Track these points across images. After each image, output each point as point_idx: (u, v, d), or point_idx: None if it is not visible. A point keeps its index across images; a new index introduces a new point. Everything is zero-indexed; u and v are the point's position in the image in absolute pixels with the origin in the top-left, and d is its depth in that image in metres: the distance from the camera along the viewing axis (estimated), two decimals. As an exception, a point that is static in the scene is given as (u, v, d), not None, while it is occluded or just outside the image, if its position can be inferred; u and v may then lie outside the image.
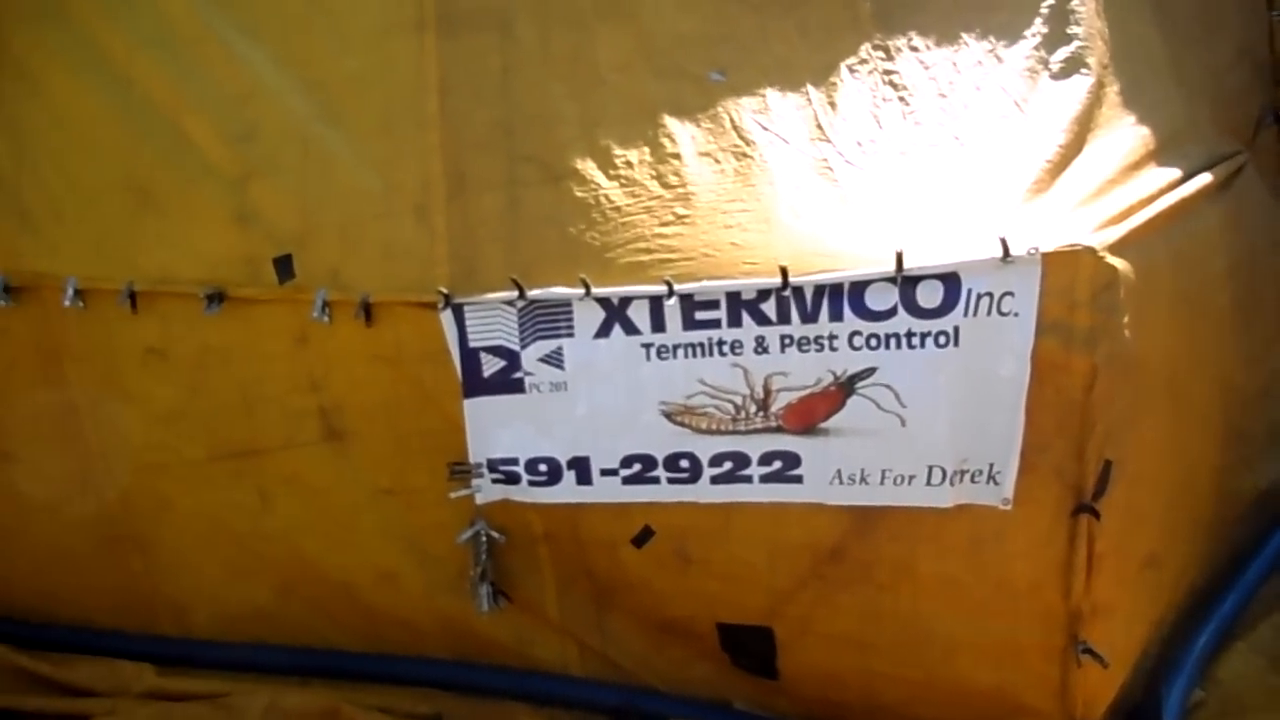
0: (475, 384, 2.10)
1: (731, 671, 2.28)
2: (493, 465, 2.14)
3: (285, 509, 2.35)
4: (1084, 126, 2.11)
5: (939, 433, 1.94)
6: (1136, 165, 2.10)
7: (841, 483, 2.00)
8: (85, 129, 2.31)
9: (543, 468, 2.12)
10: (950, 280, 1.88)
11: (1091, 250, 1.84)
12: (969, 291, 1.87)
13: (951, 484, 1.96)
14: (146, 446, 2.36)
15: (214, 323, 2.21)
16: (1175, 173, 2.14)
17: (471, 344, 2.09)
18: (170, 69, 2.27)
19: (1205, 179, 2.20)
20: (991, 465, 1.94)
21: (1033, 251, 1.84)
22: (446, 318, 2.07)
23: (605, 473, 2.09)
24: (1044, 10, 2.19)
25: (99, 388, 2.35)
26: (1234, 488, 2.48)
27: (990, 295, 1.87)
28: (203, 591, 2.50)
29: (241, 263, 2.20)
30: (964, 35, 2.17)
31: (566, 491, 2.13)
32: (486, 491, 2.16)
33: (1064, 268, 1.84)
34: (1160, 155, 2.15)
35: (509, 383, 2.09)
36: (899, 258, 1.87)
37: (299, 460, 2.29)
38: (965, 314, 1.88)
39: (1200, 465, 2.31)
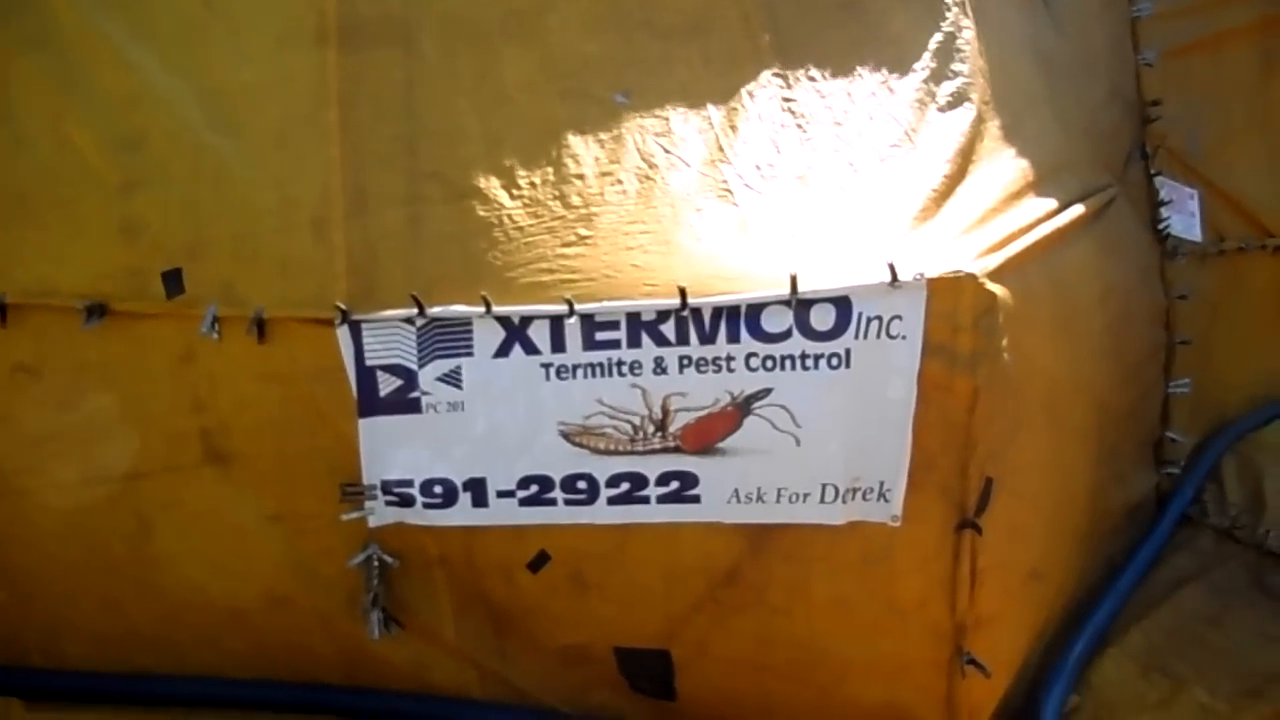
0: (371, 403, 2.06)
1: (632, 694, 2.27)
2: (387, 487, 2.09)
3: (166, 535, 2.24)
4: (967, 158, 2.23)
5: (832, 452, 1.99)
6: (1016, 195, 2.23)
7: (739, 502, 2.03)
8: (-44, 132, 2.21)
9: (438, 489, 2.08)
10: (842, 304, 1.94)
11: (973, 276, 1.93)
12: (860, 315, 1.94)
13: (844, 501, 2.01)
14: (13, 470, 2.23)
15: (92, 339, 2.12)
16: (1052, 203, 2.28)
17: (368, 362, 2.05)
18: (52, 72, 2.19)
19: (1079, 209, 2.34)
20: (882, 483, 2.00)
21: (918, 277, 1.92)
22: (343, 334, 2.03)
23: (502, 494, 2.07)
24: (932, 46, 2.31)
25: (-39, 406, 2.22)
26: (1107, 502, 2.62)
27: (880, 319, 1.94)
28: (76, 620, 2.36)
29: (126, 275, 2.11)
30: (858, 67, 2.26)
31: (462, 514, 2.09)
32: (380, 514, 2.11)
33: (947, 293, 1.93)
34: (1039, 186, 2.28)
35: (405, 402, 2.05)
36: (793, 281, 1.93)
37: (180, 484, 2.19)
38: (856, 336, 1.94)
39: (1077, 482, 2.43)
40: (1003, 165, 2.26)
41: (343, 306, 2.02)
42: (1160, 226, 2.96)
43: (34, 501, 2.24)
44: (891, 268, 1.92)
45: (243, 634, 2.32)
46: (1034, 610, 2.33)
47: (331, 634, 2.27)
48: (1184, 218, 3.07)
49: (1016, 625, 2.24)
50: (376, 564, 2.14)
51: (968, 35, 2.34)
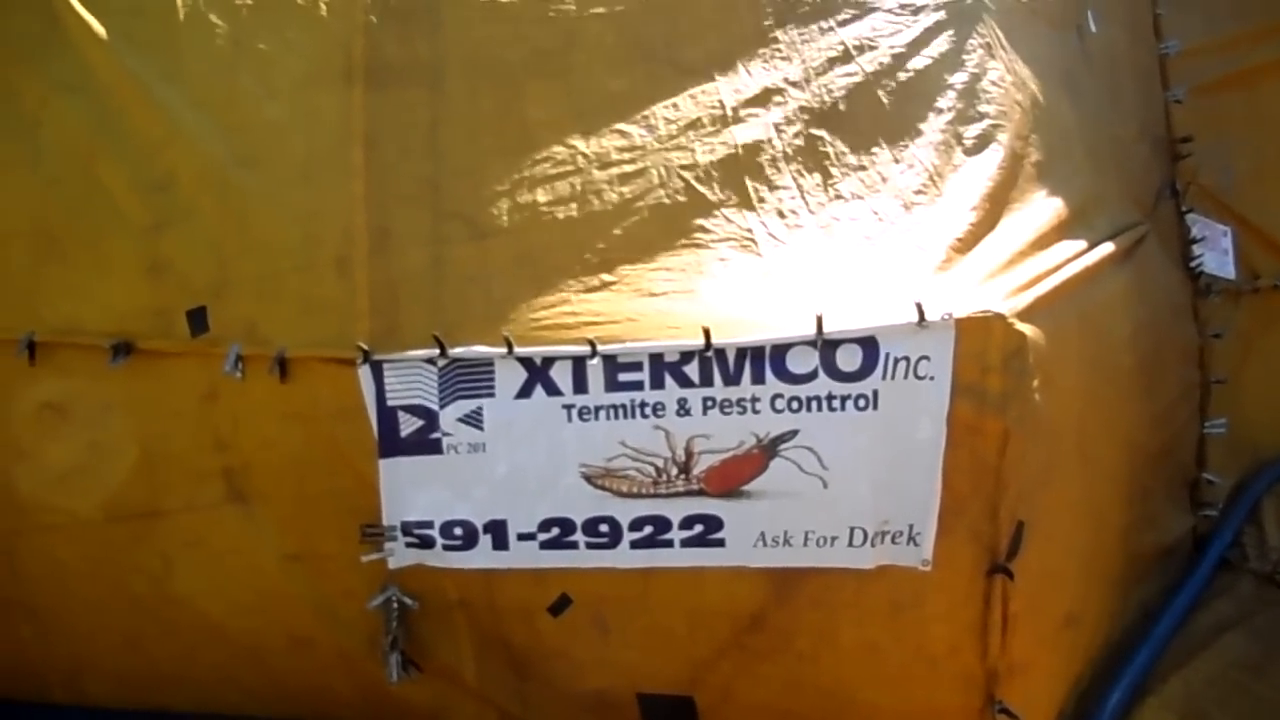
0: (392, 444, 2.05)
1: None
2: (407, 528, 2.08)
3: (188, 573, 2.24)
4: (996, 201, 2.19)
5: (860, 494, 1.96)
6: (1047, 236, 2.19)
7: (765, 545, 1.99)
8: (-10, 172, 2.25)
9: (458, 531, 2.07)
10: (869, 344, 1.92)
11: (1001, 316, 1.90)
12: (887, 355, 1.91)
13: (873, 545, 1.97)
14: (38, 507, 2.24)
15: (117, 377, 2.14)
16: (1082, 243, 2.24)
17: (390, 402, 2.05)
18: (85, 114, 2.23)
19: (1109, 248, 2.30)
20: (911, 526, 1.96)
21: (946, 317, 1.89)
22: (365, 374, 2.03)
23: (522, 537, 2.05)
24: (958, 86, 2.28)
25: (-13, 443, 2.24)
26: (1139, 545, 2.55)
27: (907, 359, 1.91)
28: (98, 657, 2.37)
29: (152, 314, 2.13)
30: (883, 108, 2.23)
31: (482, 556, 2.07)
32: (400, 556, 2.10)
33: (976, 333, 1.90)
34: (1069, 225, 2.25)
35: (426, 443, 2.04)
36: (819, 321, 1.91)
37: (202, 523, 2.20)
38: (884, 377, 1.92)
39: (1109, 524, 2.38)
40: (1033, 206, 2.23)
41: (364, 346, 2.02)
42: (1192, 264, 2.91)
43: (58, 538, 2.25)
44: (919, 308, 1.89)
45: (263, 673, 2.31)
46: (1069, 657, 2.27)
47: (352, 674, 2.26)
48: (1217, 255, 3.02)
49: (1051, 673, 2.18)
50: (396, 606, 2.12)
51: (994, 75, 2.31)
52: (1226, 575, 2.73)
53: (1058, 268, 2.13)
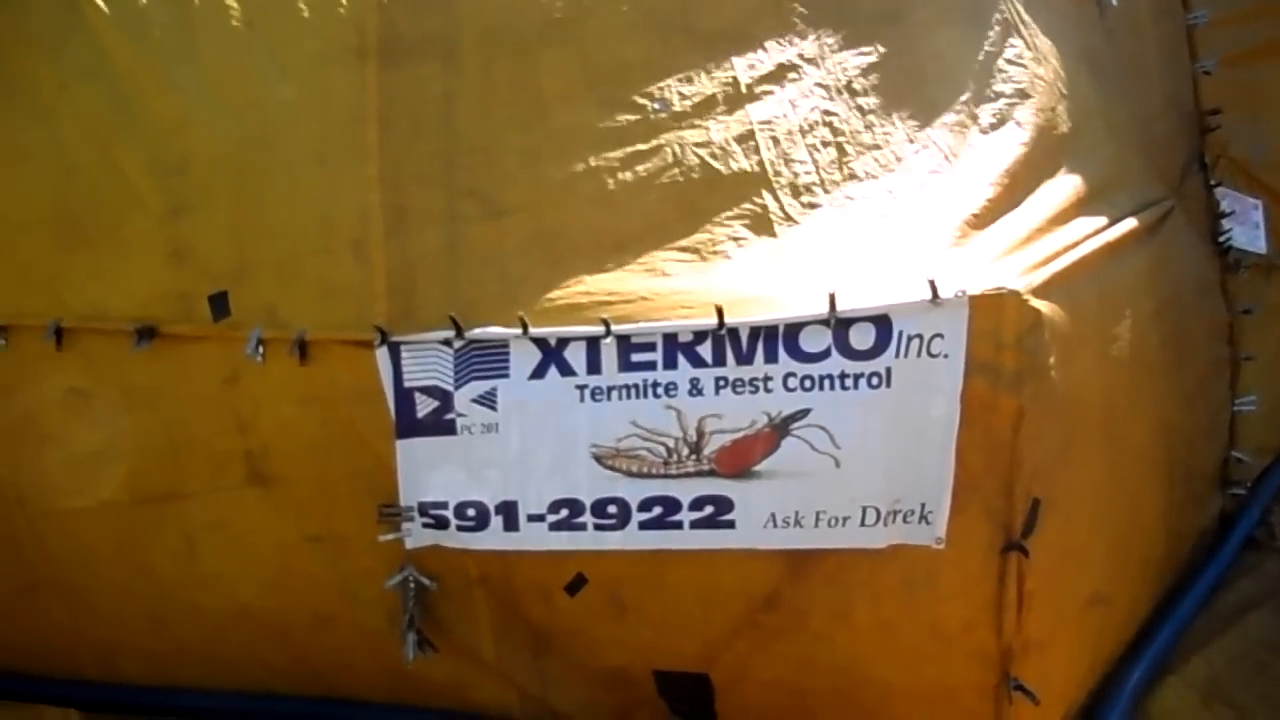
0: (409, 424, 2.07)
1: (672, 718, 2.24)
2: (423, 509, 2.10)
3: (213, 554, 2.28)
4: (1014, 178, 2.17)
5: (873, 473, 1.95)
6: (1066, 212, 2.17)
7: (775, 526, 1.99)
8: (12, 162, 2.28)
9: (471, 512, 2.08)
10: (882, 322, 1.91)
11: (1016, 293, 1.88)
12: (900, 333, 1.90)
13: (885, 524, 1.96)
14: (65, 490, 2.28)
15: (141, 362, 2.17)
16: (1102, 219, 2.21)
17: (406, 383, 2.06)
18: (103, 100, 2.25)
19: (1131, 224, 2.27)
20: (924, 505, 1.95)
21: (960, 294, 1.87)
22: (382, 356, 2.05)
23: (532, 518, 2.06)
24: (974, 66, 2.26)
25: (16, 428, 2.28)
26: (1184, 526, 2.53)
27: (920, 337, 1.90)
28: (129, 636, 2.41)
29: (174, 299, 2.16)
30: (899, 84, 2.21)
31: (494, 537, 2.09)
32: (417, 536, 2.12)
33: (990, 310, 1.88)
34: (1089, 202, 2.22)
35: (442, 424, 2.06)
36: (832, 299, 1.90)
37: (225, 505, 2.23)
38: (897, 355, 1.91)
39: (1145, 504, 2.35)
40: (1052, 184, 2.20)
41: (382, 328, 2.04)
42: (1221, 239, 2.86)
43: (85, 521, 2.30)
44: (932, 285, 1.87)
45: (288, 651, 2.35)
46: (1096, 637, 2.25)
47: (375, 652, 2.28)
48: (1247, 229, 2.96)
49: (1073, 651, 2.16)
50: (413, 585, 2.15)
51: (1012, 53, 2.29)
52: (1253, 554, 2.70)
53: (1076, 244, 2.11)
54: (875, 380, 1.92)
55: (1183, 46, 2.94)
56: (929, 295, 1.87)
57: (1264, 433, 2.90)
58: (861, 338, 1.91)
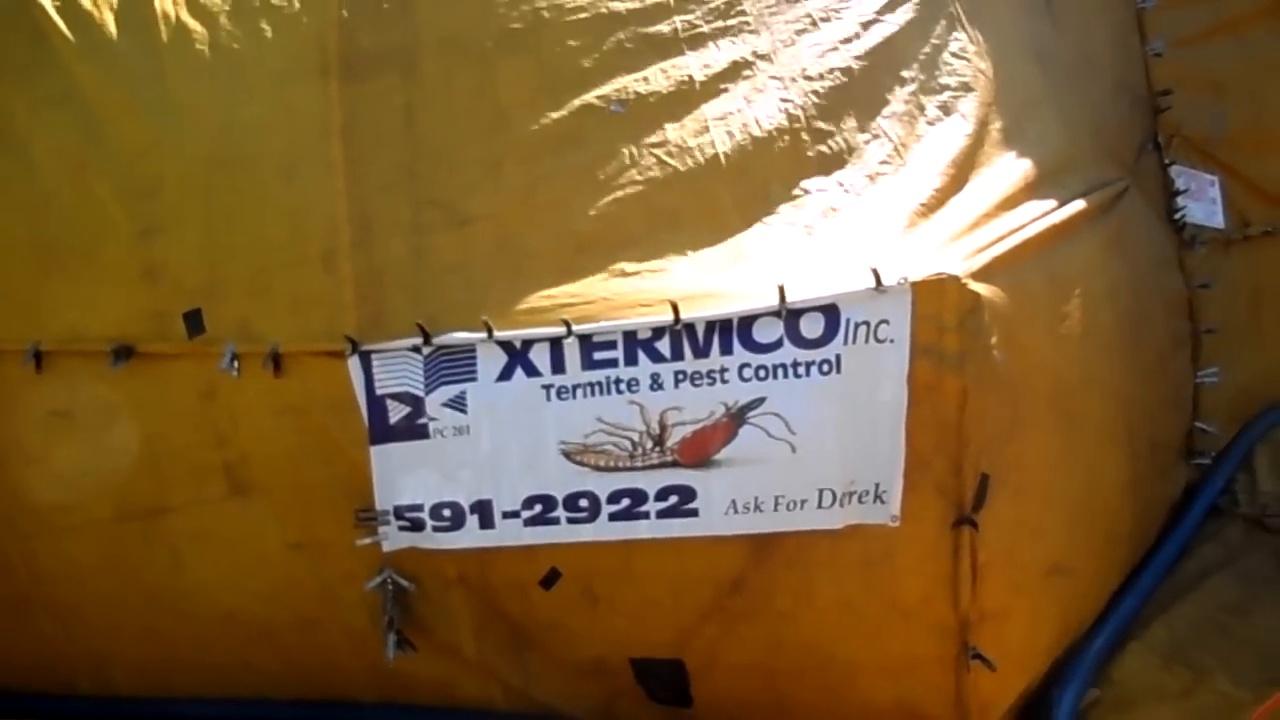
0: (382, 431, 2.13)
1: (651, 704, 2.31)
2: (399, 512, 2.16)
3: (198, 565, 2.33)
4: (961, 168, 2.23)
5: (827, 456, 2.01)
6: (1014, 197, 2.23)
7: (736, 512, 2.06)
8: (-14, 190, 2.34)
9: (446, 513, 2.14)
10: (830, 311, 1.98)
11: (956, 278, 1.95)
12: (848, 321, 1.97)
13: (841, 505, 2.03)
14: (52, 509, 2.34)
15: (119, 381, 2.22)
16: (1050, 203, 2.27)
17: (379, 391, 2.12)
18: (73, 127, 2.30)
19: (1079, 205, 2.33)
20: (878, 485, 2.02)
21: (903, 281, 1.94)
22: (354, 365, 2.11)
23: (507, 515, 2.12)
24: (920, 58, 2.32)
25: (0, 451, 2.33)
26: (1153, 498, 2.58)
27: (867, 324, 1.97)
28: (120, 649, 2.47)
29: (149, 318, 2.21)
30: (849, 75, 2.26)
31: (470, 536, 2.15)
32: (393, 539, 2.18)
33: (932, 295, 1.95)
34: (1039, 187, 2.28)
35: (414, 429, 2.12)
36: (781, 291, 1.97)
37: (207, 517, 2.28)
38: (845, 342, 1.97)
39: (1103, 477, 2.40)
40: (1000, 171, 2.26)
41: (353, 337, 2.10)
42: (1176, 216, 2.91)
43: (72, 538, 2.35)
44: (876, 273, 1.94)
45: (276, 655, 2.40)
46: (1058, 606, 2.30)
47: (360, 653, 2.34)
48: (1204, 205, 3.01)
49: (1033, 621, 2.23)
50: (391, 587, 2.20)
51: (956, 46, 2.35)
52: (1216, 521, 2.76)
53: (1021, 228, 2.17)
54: (826, 367, 1.98)
55: (1133, 31, 2.99)
56: (873, 283, 1.94)
57: (1228, 404, 2.96)
58: (811, 327, 1.98)
